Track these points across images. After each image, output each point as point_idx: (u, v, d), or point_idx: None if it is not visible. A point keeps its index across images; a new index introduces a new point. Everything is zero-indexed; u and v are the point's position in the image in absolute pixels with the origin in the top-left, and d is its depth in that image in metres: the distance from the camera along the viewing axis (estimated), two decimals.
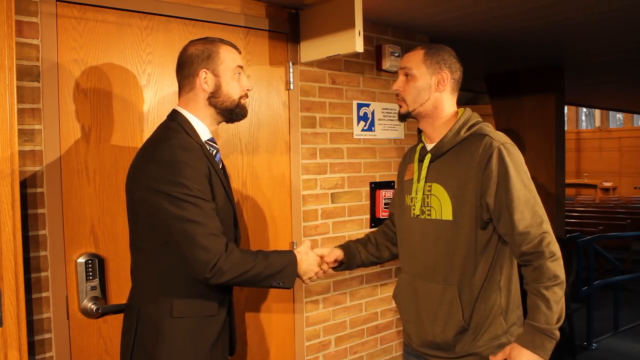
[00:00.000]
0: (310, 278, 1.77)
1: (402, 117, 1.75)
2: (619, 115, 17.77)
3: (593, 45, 3.54)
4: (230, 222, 1.66)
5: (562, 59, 4.10)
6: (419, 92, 1.68)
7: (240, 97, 1.66)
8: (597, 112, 17.67)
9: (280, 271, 1.60)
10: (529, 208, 1.54)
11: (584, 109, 18.39)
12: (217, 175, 1.60)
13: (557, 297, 1.52)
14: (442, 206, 1.64)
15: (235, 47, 1.68)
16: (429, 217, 1.68)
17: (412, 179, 1.76)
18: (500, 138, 1.60)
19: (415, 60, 1.69)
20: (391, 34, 2.91)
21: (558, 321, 1.53)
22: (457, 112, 1.72)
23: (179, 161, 1.48)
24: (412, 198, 1.74)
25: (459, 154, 1.64)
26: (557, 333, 1.53)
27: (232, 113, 1.66)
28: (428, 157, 1.71)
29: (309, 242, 1.81)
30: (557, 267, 1.55)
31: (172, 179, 1.46)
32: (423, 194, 1.69)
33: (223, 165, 1.75)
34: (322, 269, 1.82)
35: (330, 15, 2.32)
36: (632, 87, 5.89)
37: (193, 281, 1.54)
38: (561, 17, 2.80)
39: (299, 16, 2.51)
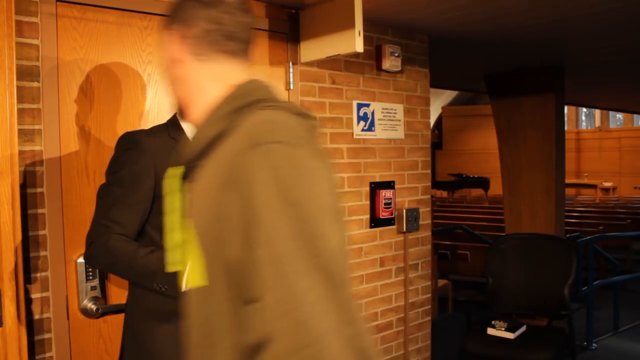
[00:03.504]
0: None
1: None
2: (619, 115, 17.76)
3: (593, 45, 3.54)
4: None
5: (562, 58, 4.10)
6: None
7: None
8: (597, 112, 17.67)
9: (159, 272, 1.40)
10: (278, 275, 0.76)
11: (584, 109, 18.39)
12: None
13: None
14: (193, 262, 0.92)
15: None
16: (185, 287, 0.96)
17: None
18: (264, 134, 0.85)
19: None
20: (391, 34, 2.91)
21: None
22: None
23: (122, 151, 1.57)
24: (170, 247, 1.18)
25: (208, 167, 0.91)
26: None
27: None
28: (180, 171, 1.01)
29: None
30: None
31: (111, 166, 1.59)
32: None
33: None
34: None
35: (330, 15, 2.32)
36: (632, 87, 5.89)
37: None
38: (561, 17, 2.80)
39: (299, 16, 2.51)
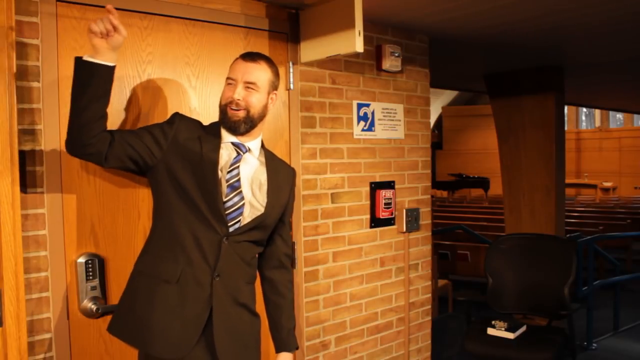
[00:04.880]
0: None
1: None
2: (619, 115, 17.76)
3: (593, 45, 3.54)
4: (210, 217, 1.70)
5: (562, 59, 4.10)
6: None
7: (225, 105, 1.73)
8: (597, 112, 17.67)
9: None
10: None
11: (584, 109, 18.39)
12: (201, 160, 1.68)
13: None
14: None
15: (244, 59, 1.75)
16: None
17: None
18: None
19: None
20: (391, 34, 2.91)
21: None
22: None
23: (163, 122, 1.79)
24: None
25: None
26: None
27: (220, 116, 1.76)
28: None
29: None
30: None
31: None
32: None
33: (250, 171, 1.78)
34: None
35: (330, 15, 2.32)
36: (632, 87, 5.90)
37: (157, 237, 1.72)
38: (561, 17, 2.80)
39: (299, 16, 2.51)
